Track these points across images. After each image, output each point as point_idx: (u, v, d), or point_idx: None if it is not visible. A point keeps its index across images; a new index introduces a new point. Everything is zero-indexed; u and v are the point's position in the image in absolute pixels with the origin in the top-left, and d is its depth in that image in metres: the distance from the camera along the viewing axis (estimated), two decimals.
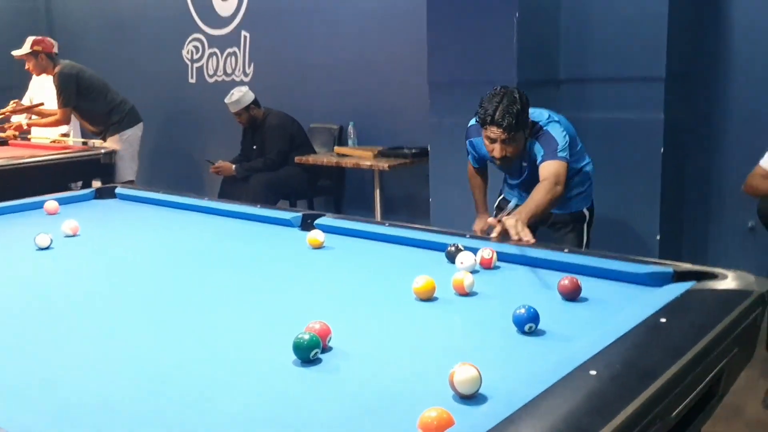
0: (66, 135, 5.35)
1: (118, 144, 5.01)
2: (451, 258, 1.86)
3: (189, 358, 1.32)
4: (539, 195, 2.45)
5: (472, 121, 2.87)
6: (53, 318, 1.57)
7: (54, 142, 5.04)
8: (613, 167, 3.72)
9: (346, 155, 4.69)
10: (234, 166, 4.97)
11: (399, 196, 4.94)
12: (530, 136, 2.66)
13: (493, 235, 2.04)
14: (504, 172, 2.94)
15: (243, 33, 5.99)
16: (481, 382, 1.10)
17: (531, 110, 2.66)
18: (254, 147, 5.06)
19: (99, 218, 2.62)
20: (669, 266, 1.65)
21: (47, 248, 2.14)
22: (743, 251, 3.84)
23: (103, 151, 4.70)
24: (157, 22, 6.66)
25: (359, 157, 4.57)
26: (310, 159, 4.77)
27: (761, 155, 3.17)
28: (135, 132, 5.18)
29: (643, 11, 3.51)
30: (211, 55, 6.29)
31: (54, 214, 2.69)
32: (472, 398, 1.10)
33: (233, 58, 6.10)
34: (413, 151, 4.48)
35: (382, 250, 2.06)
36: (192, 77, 6.49)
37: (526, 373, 1.17)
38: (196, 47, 6.40)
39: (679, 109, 3.70)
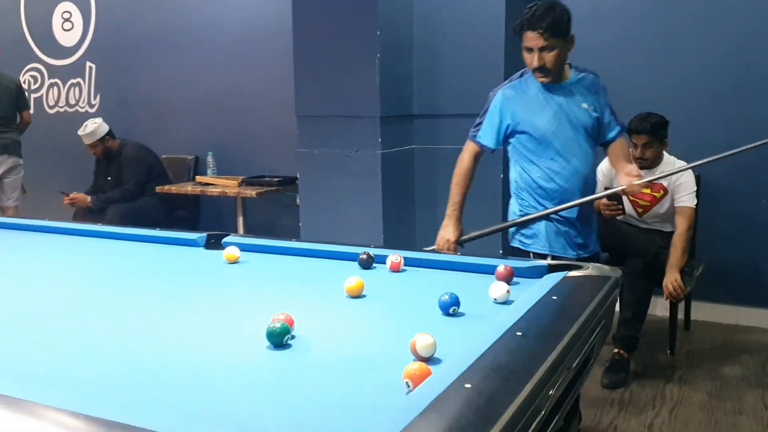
0: None
1: None
2: (363, 264, 2.14)
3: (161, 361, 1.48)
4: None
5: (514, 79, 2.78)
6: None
7: None
8: None
9: (210, 184, 4.81)
10: (90, 197, 4.90)
11: (261, 223, 5.12)
12: (580, 74, 2.67)
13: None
14: (545, 85, 2.64)
15: (88, 63, 5.91)
16: (436, 346, 1.39)
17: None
18: (109, 178, 5.03)
19: None
20: (544, 262, 2.05)
21: None
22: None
23: None
24: None
25: (224, 185, 4.71)
26: (173, 188, 4.83)
27: None
28: None
29: (481, 56, 4.03)
30: (51, 85, 6.11)
31: None
32: (429, 360, 1.38)
33: (77, 89, 5.98)
34: (276, 179, 4.70)
35: (294, 262, 2.28)
36: (30, 108, 6.24)
37: (464, 340, 1.47)
38: (35, 77, 6.20)
39: None
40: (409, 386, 1.21)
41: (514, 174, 2.83)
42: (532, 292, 1.76)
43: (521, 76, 2.72)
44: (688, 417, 2.96)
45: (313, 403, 1.21)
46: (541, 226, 2.73)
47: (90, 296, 1.94)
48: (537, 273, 2.00)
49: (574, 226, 2.72)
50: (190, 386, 1.28)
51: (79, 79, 5.96)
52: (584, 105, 2.67)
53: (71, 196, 4.94)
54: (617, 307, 3.44)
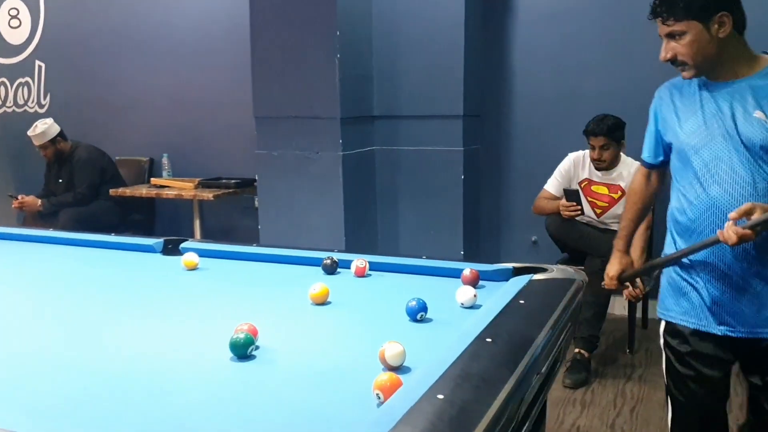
0: None
1: None
2: (327, 270, 2.10)
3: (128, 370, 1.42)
4: None
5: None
6: None
7: None
8: (422, 193, 4.19)
9: (166, 186, 4.70)
10: (40, 200, 4.75)
11: (219, 226, 5.03)
12: None
13: None
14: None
15: (37, 62, 5.73)
16: (406, 355, 1.36)
17: None
18: (60, 181, 4.88)
19: None
20: (509, 265, 2.05)
21: None
22: (529, 261, 4.50)
23: None
24: None
25: (180, 188, 4.61)
26: (127, 191, 4.71)
27: (542, 181, 3.81)
28: None
29: (441, 57, 4.02)
30: None
31: None
32: (399, 369, 1.35)
33: (26, 89, 5.80)
34: (234, 181, 4.62)
35: (256, 268, 2.23)
36: None
37: (434, 347, 1.45)
38: None
39: (474, 143, 4.28)
40: (380, 398, 1.18)
41: None
42: (499, 296, 1.75)
43: None
44: (649, 416, 2.99)
45: (280, 417, 1.17)
46: (664, 278, 2.14)
47: (41, 307, 1.87)
48: (503, 276, 1.99)
49: (705, 284, 1.99)
50: (149, 401, 1.23)
51: (27, 78, 5.77)
52: (757, 114, 1.87)
53: (20, 199, 4.77)
54: None
